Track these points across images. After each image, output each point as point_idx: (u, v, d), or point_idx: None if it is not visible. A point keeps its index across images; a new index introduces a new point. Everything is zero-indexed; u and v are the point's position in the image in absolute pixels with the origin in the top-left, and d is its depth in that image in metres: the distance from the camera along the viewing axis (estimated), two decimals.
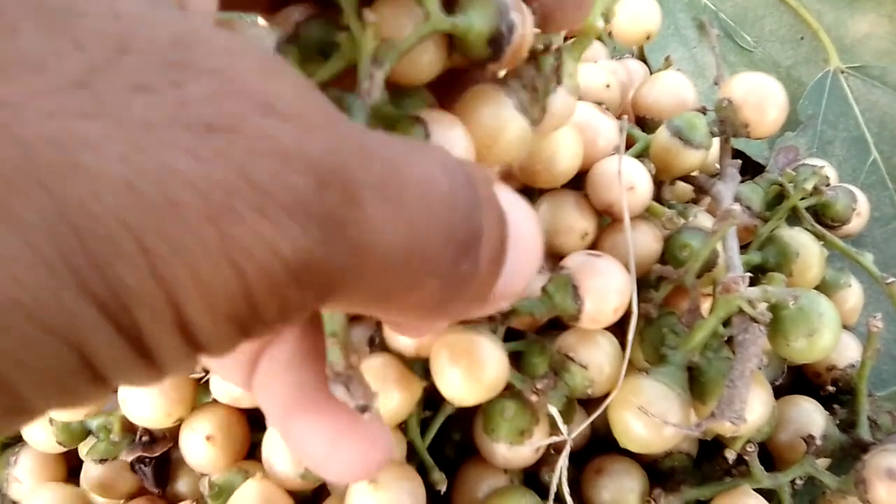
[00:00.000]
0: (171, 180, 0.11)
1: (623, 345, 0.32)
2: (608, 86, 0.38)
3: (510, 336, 0.31)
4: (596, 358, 0.31)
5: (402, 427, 0.31)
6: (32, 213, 0.10)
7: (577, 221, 0.33)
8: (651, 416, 0.29)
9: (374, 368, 0.29)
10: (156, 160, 0.11)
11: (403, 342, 0.29)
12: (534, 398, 0.30)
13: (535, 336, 0.32)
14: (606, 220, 0.35)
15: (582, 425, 0.30)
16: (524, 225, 0.17)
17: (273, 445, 0.30)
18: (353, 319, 0.34)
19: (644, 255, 0.33)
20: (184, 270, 0.11)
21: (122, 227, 0.11)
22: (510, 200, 0.17)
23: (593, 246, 0.34)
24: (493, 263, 0.16)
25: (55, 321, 0.11)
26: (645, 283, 0.33)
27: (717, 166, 0.38)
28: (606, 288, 0.28)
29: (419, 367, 0.29)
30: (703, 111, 0.36)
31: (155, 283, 0.11)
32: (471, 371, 0.27)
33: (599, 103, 0.36)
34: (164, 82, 0.11)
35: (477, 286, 0.16)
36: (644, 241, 0.34)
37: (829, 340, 0.30)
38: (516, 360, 0.32)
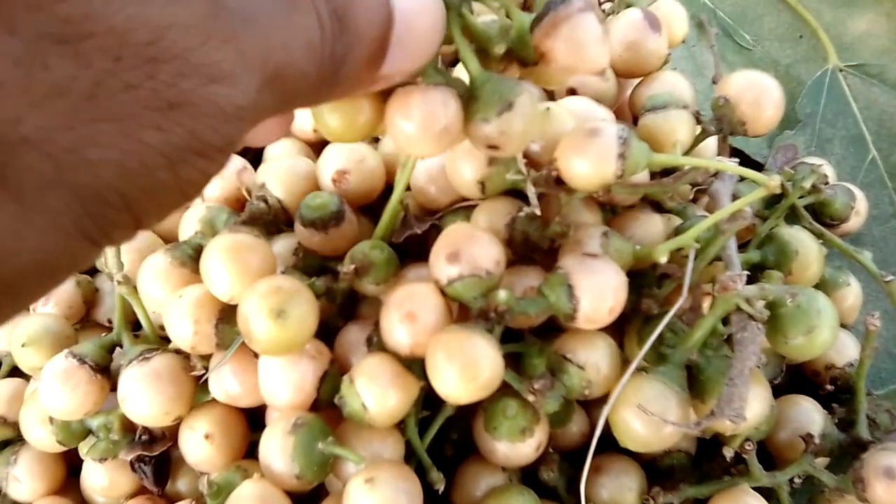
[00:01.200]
0: (145, 152, 0.17)
1: (621, 345, 0.32)
2: (605, 78, 0.38)
3: (509, 337, 0.31)
4: (593, 358, 0.31)
5: (400, 427, 0.31)
6: (60, 204, 0.16)
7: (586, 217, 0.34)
8: (650, 415, 0.29)
9: (370, 368, 0.29)
10: (136, 141, 0.16)
11: (399, 342, 0.29)
12: (531, 398, 0.30)
13: (533, 337, 0.32)
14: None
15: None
16: (418, 20, 0.23)
17: (270, 445, 0.30)
18: (351, 320, 0.35)
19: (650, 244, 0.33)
20: (149, 202, 0.17)
21: (112, 190, 0.16)
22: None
23: None
24: (369, 63, 0.22)
25: (64, 262, 0.17)
26: (647, 280, 0.33)
27: None
28: (602, 288, 0.28)
29: (417, 366, 0.29)
30: (698, 116, 0.36)
31: (128, 213, 0.17)
32: (465, 370, 0.27)
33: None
34: (142, 76, 0.16)
35: (351, 80, 0.22)
36: (650, 229, 0.34)
37: (828, 337, 0.30)
38: (515, 361, 0.32)
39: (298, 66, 0.20)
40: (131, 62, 0.16)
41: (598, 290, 0.28)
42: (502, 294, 0.28)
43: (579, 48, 0.26)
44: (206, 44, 0.17)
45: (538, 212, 0.31)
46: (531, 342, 0.32)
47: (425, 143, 0.25)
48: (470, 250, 0.29)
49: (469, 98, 0.26)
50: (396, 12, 0.22)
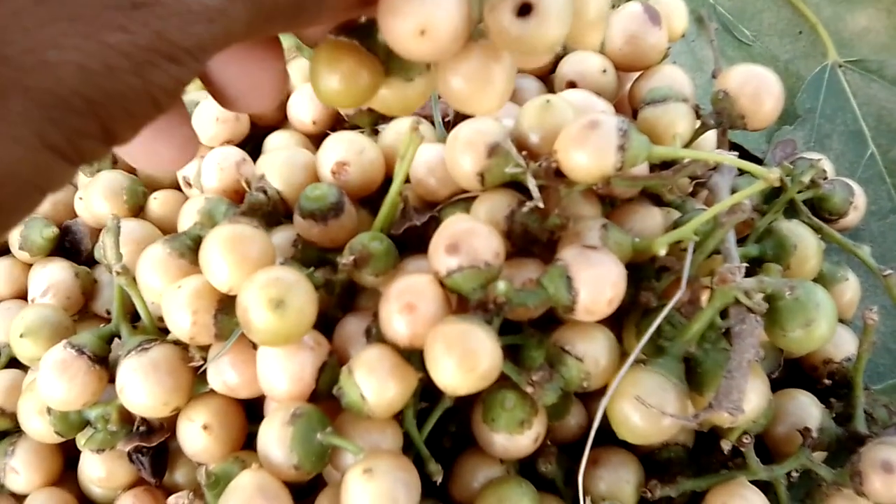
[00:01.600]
0: (108, 53, 0.16)
1: (619, 338, 0.32)
2: (604, 71, 0.39)
3: (508, 329, 0.31)
4: (592, 351, 0.31)
5: (399, 418, 0.31)
6: (19, 109, 0.15)
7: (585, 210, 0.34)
8: (649, 407, 0.29)
9: (369, 359, 0.29)
10: (97, 42, 0.16)
11: (398, 333, 0.29)
12: (530, 390, 0.30)
13: (532, 329, 0.32)
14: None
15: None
16: None
17: (269, 436, 0.29)
18: (349, 312, 0.35)
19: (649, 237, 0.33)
20: (117, 109, 0.16)
21: (75, 94, 0.15)
22: None
23: None
24: None
25: (29, 175, 0.16)
26: (646, 273, 0.33)
27: None
28: (601, 279, 0.28)
29: (416, 358, 0.29)
30: (697, 110, 0.36)
31: (95, 121, 0.16)
32: (464, 361, 0.27)
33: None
34: None
35: None
36: (649, 222, 0.34)
37: (826, 330, 0.30)
38: (514, 352, 0.32)
39: None
40: None
41: (596, 282, 0.28)
42: (501, 285, 0.28)
43: None
44: None
45: (541, 204, 0.31)
46: (530, 334, 0.32)
47: (427, 41, 0.21)
48: (469, 242, 0.29)
49: None
50: None
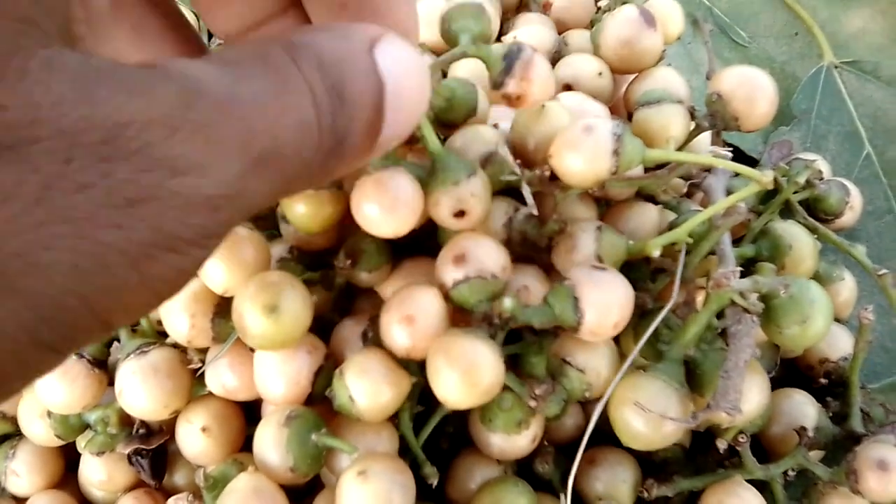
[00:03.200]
0: (103, 251, 0.15)
1: (616, 340, 0.32)
2: (600, 74, 0.39)
3: (507, 337, 0.31)
4: (593, 362, 0.31)
5: (395, 421, 0.31)
6: (6, 312, 0.15)
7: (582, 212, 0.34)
8: (651, 413, 0.29)
9: (361, 362, 0.29)
10: (92, 241, 0.15)
11: (396, 343, 0.29)
12: (533, 404, 0.30)
13: (532, 336, 0.32)
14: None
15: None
16: (405, 82, 0.21)
17: (265, 438, 0.30)
18: (346, 315, 0.35)
19: (644, 237, 0.33)
20: (114, 303, 0.16)
21: (68, 293, 0.15)
22: (393, 59, 0.21)
23: None
24: (369, 131, 0.21)
25: (13, 371, 0.15)
26: (641, 275, 0.33)
27: None
28: (608, 302, 0.28)
29: (412, 363, 0.30)
30: (692, 111, 0.37)
31: (91, 315, 0.16)
32: (467, 376, 0.27)
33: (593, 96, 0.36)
34: (97, 175, 0.15)
35: (354, 151, 0.21)
36: (645, 221, 0.34)
37: (822, 327, 0.30)
38: (514, 358, 0.32)
39: (291, 147, 0.19)
40: (84, 162, 0.15)
41: (603, 305, 0.28)
42: (508, 302, 0.28)
43: (547, 83, 0.30)
44: (172, 136, 0.16)
45: (535, 211, 0.31)
46: (530, 342, 0.32)
47: (392, 224, 0.28)
48: (476, 253, 0.29)
49: (432, 172, 0.29)
50: (384, 76, 0.21)
